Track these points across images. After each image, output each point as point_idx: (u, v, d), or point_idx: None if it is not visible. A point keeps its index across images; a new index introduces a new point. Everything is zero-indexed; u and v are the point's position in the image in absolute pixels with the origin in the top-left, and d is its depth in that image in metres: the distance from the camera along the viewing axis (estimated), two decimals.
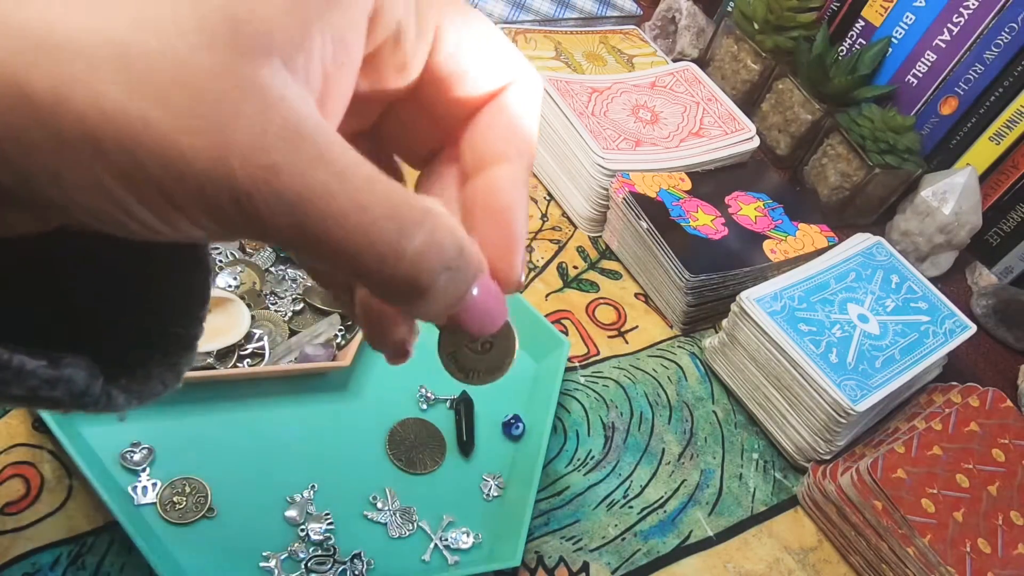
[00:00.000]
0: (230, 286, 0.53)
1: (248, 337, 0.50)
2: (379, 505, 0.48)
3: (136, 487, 0.44)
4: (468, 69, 0.21)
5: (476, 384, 0.26)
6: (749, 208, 0.71)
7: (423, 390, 0.54)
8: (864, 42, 0.84)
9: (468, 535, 0.47)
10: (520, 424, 0.53)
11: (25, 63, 0.13)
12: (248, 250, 0.56)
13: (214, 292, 0.51)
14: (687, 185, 0.71)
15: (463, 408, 0.53)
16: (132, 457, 0.45)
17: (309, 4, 0.16)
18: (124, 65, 0.14)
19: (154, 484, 0.44)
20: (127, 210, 0.15)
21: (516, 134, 0.22)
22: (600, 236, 0.72)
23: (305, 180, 0.15)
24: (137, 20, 0.14)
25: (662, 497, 0.55)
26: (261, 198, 0.15)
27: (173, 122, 0.14)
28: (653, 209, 0.66)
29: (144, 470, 0.45)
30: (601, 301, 0.67)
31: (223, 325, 0.49)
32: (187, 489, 0.45)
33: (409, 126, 0.23)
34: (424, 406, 0.54)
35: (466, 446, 0.52)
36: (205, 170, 0.14)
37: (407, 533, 0.47)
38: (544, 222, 0.72)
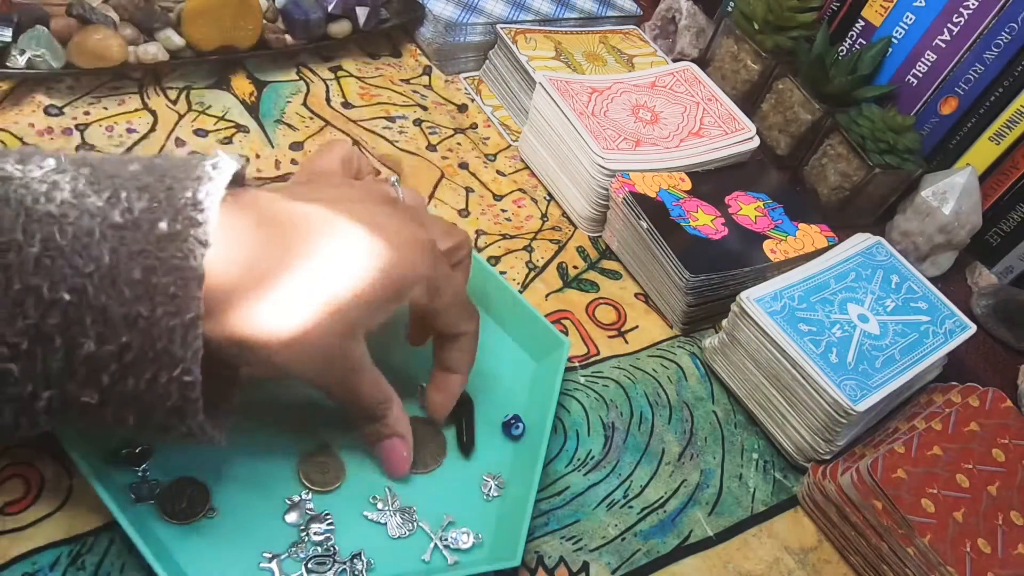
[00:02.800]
0: None
1: None
2: (379, 505, 0.48)
3: (136, 487, 0.44)
4: (453, 327, 0.47)
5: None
6: (749, 208, 0.71)
7: (424, 390, 0.54)
8: (864, 42, 0.84)
9: (468, 535, 0.47)
10: (520, 424, 0.53)
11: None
12: None
13: None
14: (687, 185, 0.71)
15: (463, 409, 0.53)
16: (132, 457, 0.45)
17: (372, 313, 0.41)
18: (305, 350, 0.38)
19: (154, 484, 0.44)
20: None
21: (466, 360, 0.50)
22: (600, 236, 0.72)
23: (357, 395, 0.44)
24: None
25: (662, 497, 0.55)
26: (338, 396, 0.44)
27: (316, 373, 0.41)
28: (653, 209, 0.66)
29: (144, 471, 0.45)
30: (601, 301, 0.67)
31: None
32: (187, 489, 0.45)
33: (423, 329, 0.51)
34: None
35: (466, 447, 0.52)
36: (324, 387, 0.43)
37: (407, 533, 0.47)
38: (544, 222, 0.72)
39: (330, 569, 0.44)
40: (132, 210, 0.32)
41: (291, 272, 0.37)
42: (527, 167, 0.77)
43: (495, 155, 0.77)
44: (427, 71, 0.83)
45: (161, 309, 0.31)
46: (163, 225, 0.32)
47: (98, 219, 0.32)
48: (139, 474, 0.45)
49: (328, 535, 0.45)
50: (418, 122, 0.77)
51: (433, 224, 0.47)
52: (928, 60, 0.79)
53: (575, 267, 0.69)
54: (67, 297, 0.30)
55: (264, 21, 0.72)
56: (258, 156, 0.67)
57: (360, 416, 0.46)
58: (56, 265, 0.31)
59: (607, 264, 0.70)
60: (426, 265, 0.42)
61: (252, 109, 0.71)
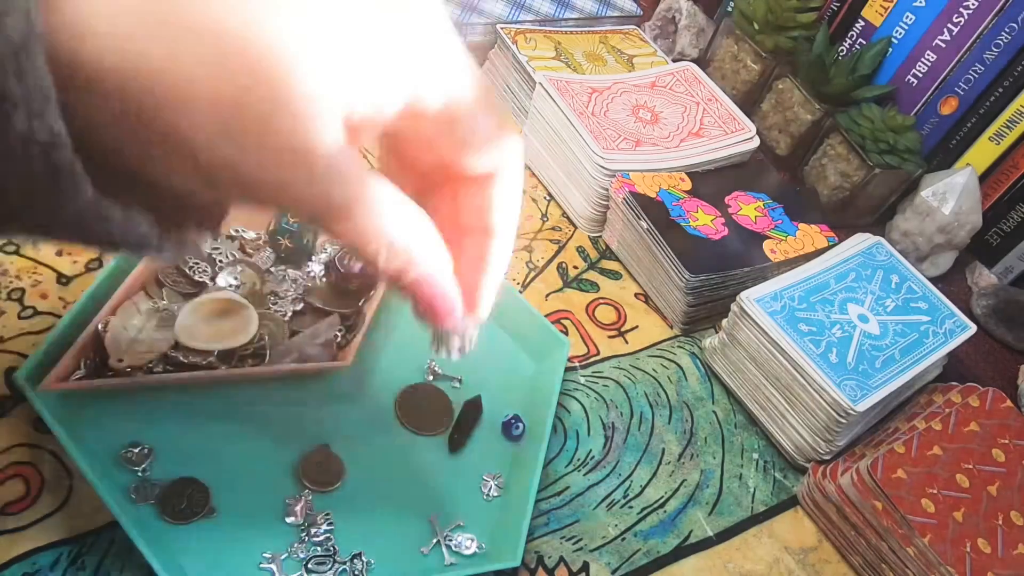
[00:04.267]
0: (231, 286, 0.53)
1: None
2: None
3: (136, 487, 0.44)
4: (473, 155, 0.29)
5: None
6: (749, 208, 0.71)
7: (430, 367, 0.54)
8: (864, 42, 0.84)
9: (472, 541, 0.47)
10: (520, 424, 0.53)
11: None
12: (248, 250, 0.56)
13: (226, 295, 0.51)
14: (687, 185, 0.71)
15: (469, 407, 0.53)
16: (132, 457, 0.45)
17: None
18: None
19: (154, 484, 0.44)
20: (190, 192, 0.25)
21: (503, 214, 0.31)
22: (600, 236, 0.72)
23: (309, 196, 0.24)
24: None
25: (662, 497, 0.55)
26: (283, 206, 0.25)
27: (247, 167, 0.23)
28: (653, 209, 0.66)
29: (144, 471, 0.45)
30: (601, 301, 0.67)
31: (231, 328, 0.49)
32: (187, 489, 0.45)
33: (418, 154, 0.30)
34: None
35: (456, 443, 0.52)
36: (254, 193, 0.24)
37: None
38: (544, 222, 0.72)
39: (330, 569, 0.44)
40: None
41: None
42: (527, 167, 0.77)
43: None
44: None
45: None
46: None
47: None
48: (139, 474, 0.45)
49: (328, 535, 0.45)
50: None
51: None
52: (928, 60, 0.79)
53: (575, 267, 0.69)
54: None
55: None
56: None
57: (339, 236, 0.27)
58: None
59: (607, 264, 0.70)
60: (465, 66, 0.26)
61: None
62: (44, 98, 0.20)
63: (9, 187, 0.21)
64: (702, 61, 0.92)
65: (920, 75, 0.80)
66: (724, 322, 0.62)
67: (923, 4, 0.78)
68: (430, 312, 0.31)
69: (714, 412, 0.62)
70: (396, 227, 0.27)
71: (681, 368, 0.64)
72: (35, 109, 0.19)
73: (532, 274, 0.67)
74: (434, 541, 0.47)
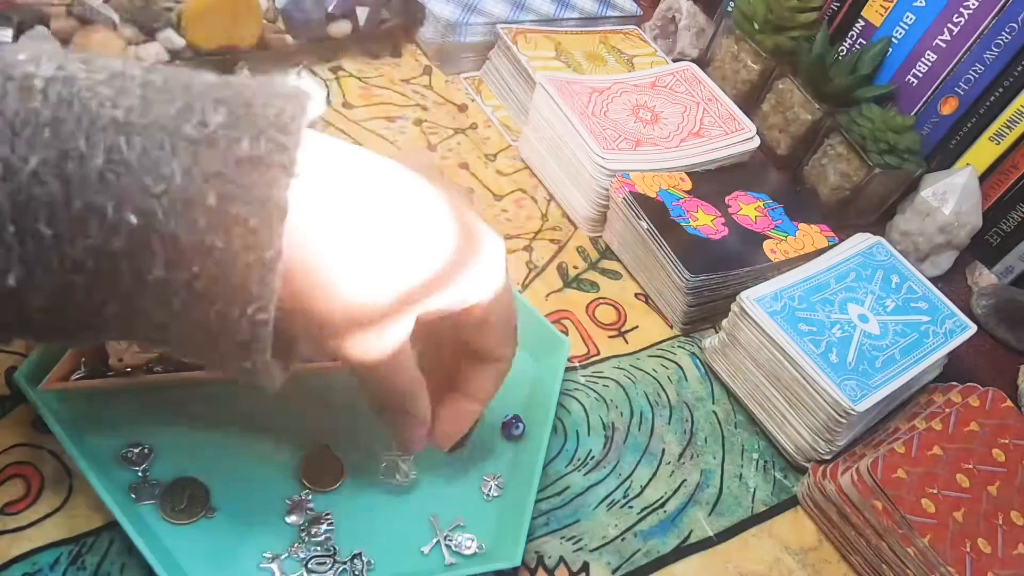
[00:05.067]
0: None
1: None
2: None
3: (136, 487, 0.44)
4: (493, 349, 0.42)
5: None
6: (749, 208, 0.71)
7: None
8: (864, 42, 0.84)
9: (472, 541, 0.47)
10: (520, 424, 0.53)
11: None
12: None
13: None
14: (687, 185, 0.71)
15: None
16: (132, 457, 0.45)
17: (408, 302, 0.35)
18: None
19: (154, 484, 0.44)
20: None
21: (491, 390, 0.44)
22: (600, 236, 0.72)
23: (394, 391, 0.39)
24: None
25: (662, 497, 0.55)
26: (373, 390, 0.39)
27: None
28: (653, 209, 0.66)
29: (145, 471, 0.45)
30: (601, 301, 0.67)
31: None
32: (187, 489, 0.45)
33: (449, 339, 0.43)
34: None
35: (456, 443, 0.51)
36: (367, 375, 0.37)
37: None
38: (544, 222, 0.72)
39: (330, 569, 0.44)
40: (207, 123, 0.28)
41: (384, 241, 0.33)
42: (527, 167, 0.77)
43: (495, 155, 0.77)
44: (427, 71, 0.83)
45: (239, 242, 0.28)
46: (244, 145, 0.28)
47: (169, 131, 0.28)
48: (139, 474, 0.45)
49: (328, 535, 0.45)
50: (418, 122, 0.77)
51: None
52: (928, 60, 0.79)
53: (575, 267, 0.69)
54: (134, 220, 0.27)
55: (264, 21, 0.72)
56: None
57: (387, 408, 0.41)
58: (122, 182, 0.27)
59: (607, 264, 0.70)
60: (501, 276, 0.38)
61: None
62: (272, 297, 0.29)
63: (212, 341, 0.30)
64: (702, 61, 0.92)
65: (920, 75, 0.80)
66: (724, 322, 0.62)
67: (923, 4, 0.78)
68: (402, 443, 0.43)
69: (714, 412, 0.62)
70: (422, 412, 0.41)
71: (681, 368, 0.64)
72: (264, 304, 0.29)
73: (532, 274, 0.67)
74: (434, 541, 0.47)
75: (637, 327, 0.66)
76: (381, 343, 0.34)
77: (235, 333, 0.30)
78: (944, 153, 0.82)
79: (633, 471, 0.56)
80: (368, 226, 0.32)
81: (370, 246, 0.32)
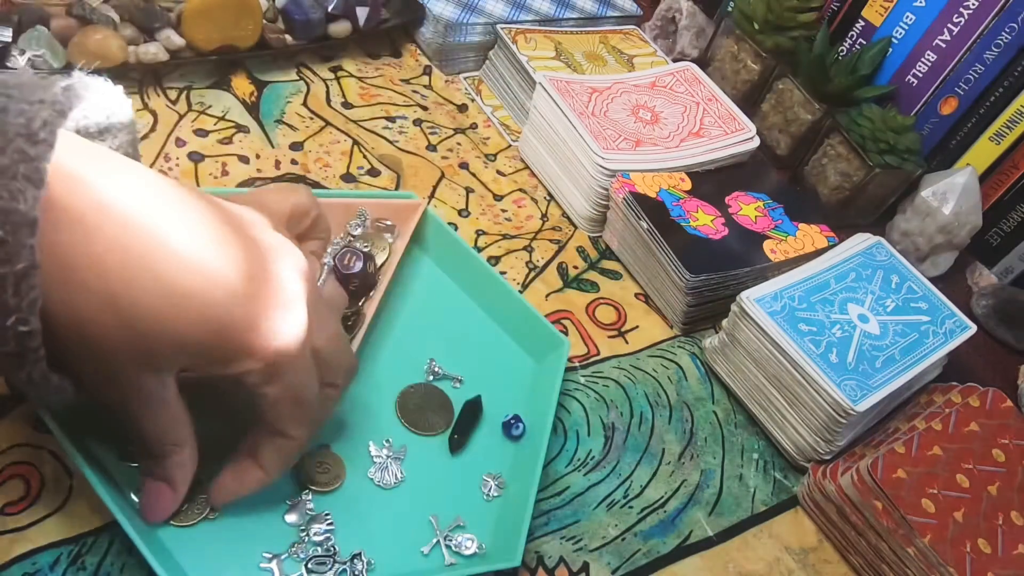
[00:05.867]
0: None
1: None
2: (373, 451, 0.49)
3: (138, 488, 0.44)
4: (279, 424, 0.41)
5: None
6: (749, 208, 0.71)
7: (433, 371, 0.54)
8: (864, 42, 0.84)
9: (472, 541, 0.47)
10: (520, 424, 0.53)
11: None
12: None
13: None
14: (687, 185, 0.71)
15: (469, 408, 0.53)
16: (131, 456, 0.45)
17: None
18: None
19: None
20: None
21: (280, 465, 0.44)
22: (600, 236, 0.72)
23: (138, 426, 0.39)
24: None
25: (662, 497, 0.55)
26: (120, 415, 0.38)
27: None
28: (653, 209, 0.66)
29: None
30: (601, 301, 0.67)
31: None
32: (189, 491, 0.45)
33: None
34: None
35: (456, 443, 0.52)
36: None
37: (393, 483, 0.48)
38: (544, 222, 0.72)
39: (330, 569, 0.44)
40: None
41: (125, 260, 0.32)
42: (527, 167, 0.77)
43: (495, 155, 0.77)
44: (427, 71, 0.83)
45: None
46: None
47: None
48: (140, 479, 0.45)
49: (328, 535, 0.45)
50: (418, 122, 0.77)
51: (324, 324, 0.40)
52: (928, 60, 0.79)
53: (575, 267, 0.69)
54: None
55: (264, 21, 0.72)
56: (258, 156, 0.67)
57: (137, 446, 0.40)
58: None
59: (607, 264, 0.70)
60: (275, 336, 0.36)
61: (252, 109, 0.71)
62: (32, 307, 0.29)
63: None
64: (702, 61, 0.92)
65: (920, 75, 0.80)
66: (724, 322, 0.62)
67: (923, 4, 0.78)
68: (151, 508, 0.42)
69: (714, 412, 0.62)
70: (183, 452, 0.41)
71: (681, 368, 0.64)
72: (24, 313, 0.29)
73: (532, 274, 0.67)
74: (434, 541, 0.47)
75: (637, 327, 0.66)
76: (135, 376, 0.34)
77: (2, 344, 0.30)
78: (944, 153, 0.82)
79: (633, 471, 0.56)
80: (114, 240, 0.31)
81: (114, 258, 0.31)
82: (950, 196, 0.75)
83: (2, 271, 0.28)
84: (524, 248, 0.69)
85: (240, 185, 0.64)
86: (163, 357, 0.34)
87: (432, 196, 0.70)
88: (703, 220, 0.67)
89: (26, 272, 0.28)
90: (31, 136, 0.28)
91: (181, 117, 0.68)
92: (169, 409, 0.38)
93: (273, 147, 0.68)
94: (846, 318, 0.60)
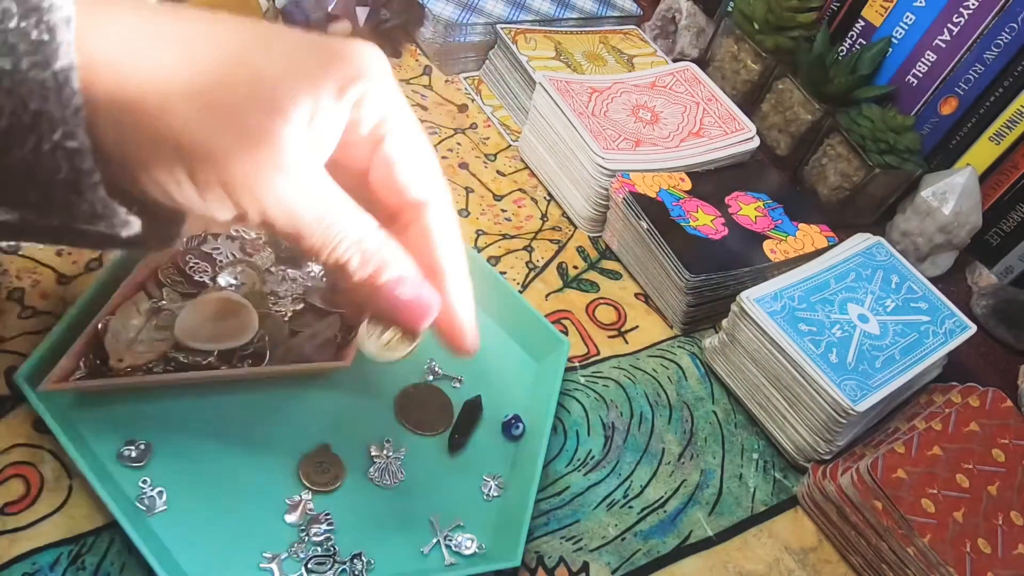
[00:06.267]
0: (231, 285, 0.53)
1: None
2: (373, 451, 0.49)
3: (143, 498, 0.44)
4: (400, 175, 0.33)
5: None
6: (749, 208, 0.71)
7: (430, 366, 0.54)
8: (864, 42, 0.84)
9: (472, 542, 0.47)
10: (520, 424, 0.53)
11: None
12: (248, 250, 0.56)
13: (226, 295, 0.51)
14: (687, 185, 0.71)
15: (469, 408, 0.53)
16: (131, 456, 0.45)
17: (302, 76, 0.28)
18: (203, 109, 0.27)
19: (160, 492, 0.44)
20: (179, 190, 0.28)
21: (445, 250, 0.34)
22: (600, 236, 0.72)
23: (278, 198, 0.29)
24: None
25: (662, 497, 0.55)
26: (252, 204, 0.28)
27: (221, 149, 0.27)
28: (653, 209, 0.66)
29: (145, 479, 0.45)
30: (601, 301, 0.67)
31: (231, 328, 0.49)
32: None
33: (363, 200, 0.33)
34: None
35: (456, 443, 0.52)
36: (230, 182, 0.28)
37: (391, 483, 0.48)
38: (544, 222, 0.72)
39: (330, 569, 0.44)
40: None
41: (188, 23, 0.28)
42: (527, 167, 0.77)
43: (495, 155, 0.77)
44: (427, 71, 0.83)
45: (26, 60, 0.25)
46: None
47: None
48: (142, 480, 0.45)
49: (328, 535, 0.45)
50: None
51: None
52: (928, 60, 0.79)
53: (575, 267, 0.69)
54: None
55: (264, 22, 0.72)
56: None
57: (310, 248, 0.31)
58: None
59: (607, 264, 0.70)
60: (379, 61, 0.31)
61: None
62: (76, 117, 0.26)
63: (38, 188, 0.27)
64: (702, 61, 0.92)
65: (920, 75, 0.80)
66: (724, 322, 0.62)
67: (923, 4, 0.78)
68: (407, 314, 0.34)
69: (714, 412, 0.62)
70: (368, 233, 0.31)
71: (681, 368, 0.64)
72: (69, 126, 0.26)
73: (532, 274, 0.67)
74: (434, 541, 0.47)
75: (637, 327, 0.66)
76: (276, 157, 0.28)
77: (56, 171, 0.26)
78: (944, 153, 0.82)
79: (633, 471, 0.56)
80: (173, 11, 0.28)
81: (171, 25, 0.28)
82: (950, 196, 0.75)
83: (41, 75, 0.25)
84: (524, 248, 0.69)
85: None
86: (292, 101, 0.29)
87: None
88: (703, 220, 0.67)
89: (66, 73, 0.26)
90: None
91: None
92: (319, 179, 0.30)
93: None
94: (846, 318, 0.60)
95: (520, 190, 0.74)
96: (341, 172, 0.32)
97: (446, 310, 0.35)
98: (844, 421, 0.54)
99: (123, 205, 0.29)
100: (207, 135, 0.27)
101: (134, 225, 0.29)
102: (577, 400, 0.58)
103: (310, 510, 0.46)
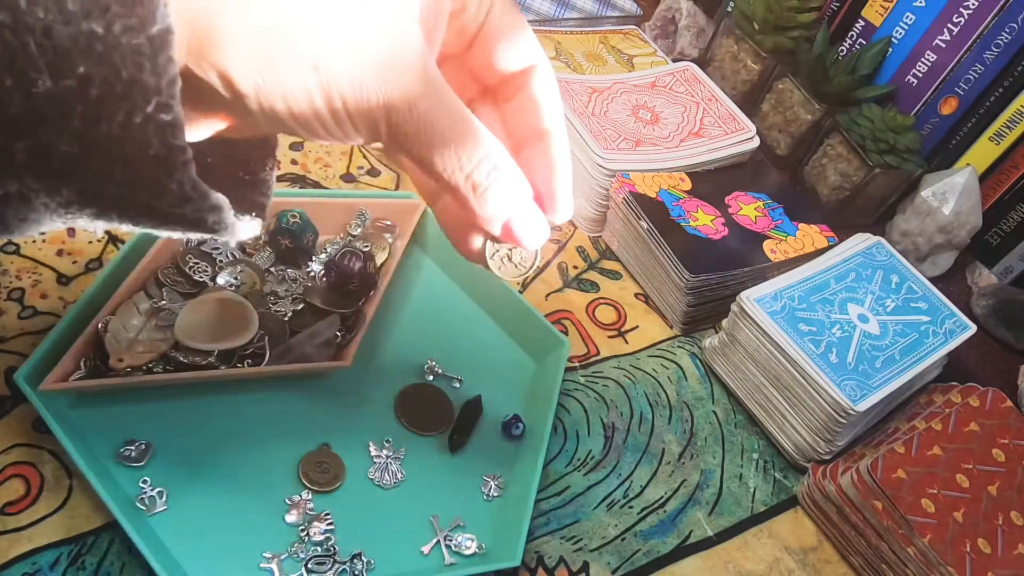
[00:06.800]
0: (231, 285, 0.53)
1: None
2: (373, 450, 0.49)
3: (143, 497, 0.44)
4: (505, 48, 0.32)
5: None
6: (749, 208, 0.71)
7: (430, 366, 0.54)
8: (864, 42, 0.84)
9: (472, 542, 0.47)
10: (520, 424, 0.53)
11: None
12: (248, 250, 0.56)
13: (226, 295, 0.51)
14: (687, 185, 0.71)
15: (469, 408, 0.53)
16: (130, 455, 0.45)
17: None
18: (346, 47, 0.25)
19: (160, 492, 0.44)
20: (323, 122, 0.26)
21: (551, 111, 0.33)
22: (600, 236, 0.72)
23: (428, 114, 0.27)
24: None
25: (662, 497, 0.55)
26: (401, 121, 0.27)
27: (364, 79, 0.26)
28: (653, 209, 0.66)
29: (145, 479, 0.45)
30: (601, 301, 0.67)
31: (231, 328, 0.49)
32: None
33: (455, 77, 0.33)
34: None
35: (456, 443, 0.52)
36: (375, 107, 0.26)
37: (392, 484, 0.48)
38: None
39: (330, 569, 0.44)
40: None
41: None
42: None
43: None
44: None
45: (119, 24, 0.24)
46: None
47: None
48: (142, 482, 0.45)
49: (328, 535, 0.45)
50: None
51: None
52: (928, 60, 0.79)
53: (575, 267, 0.69)
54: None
55: None
56: None
57: (441, 172, 0.30)
58: None
59: (607, 264, 0.70)
60: None
61: None
62: (172, 87, 0.24)
63: (125, 166, 0.25)
64: (702, 61, 0.92)
65: (920, 75, 0.80)
66: (724, 322, 0.62)
67: (923, 4, 0.78)
68: (527, 240, 0.33)
69: (714, 412, 0.62)
70: (503, 154, 0.30)
71: (681, 368, 0.64)
72: (163, 96, 0.24)
73: (532, 274, 0.67)
74: (434, 541, 0.47)
75: (637, 327, 0.66)
76: (406, 67, 0.26)
77: (147, 146, 0.25)
78: (944, 153, 0.82)
79: (633, 471, 0.56)
80: None
81: None
82: (950, 196, 0.75)
83: (136, 40, 0.24)
84: None
85: None
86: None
87: None
88: (703, 220, 0.67)
89: (163, 38, 0.24)
90: None
91: None
92: (447, 88, 0.29)
93: None
94: (846, 318, 0.60)
95: None
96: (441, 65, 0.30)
97: (548, 175, 0.34)
98: (844, 421, 0.54)
99: (213, 187, 0.27)
100: (340, 46, 0.26)
101: (223, 210, 0.28)
102: (577, 400, 0.58)
103: (310, 510, 0.46)
